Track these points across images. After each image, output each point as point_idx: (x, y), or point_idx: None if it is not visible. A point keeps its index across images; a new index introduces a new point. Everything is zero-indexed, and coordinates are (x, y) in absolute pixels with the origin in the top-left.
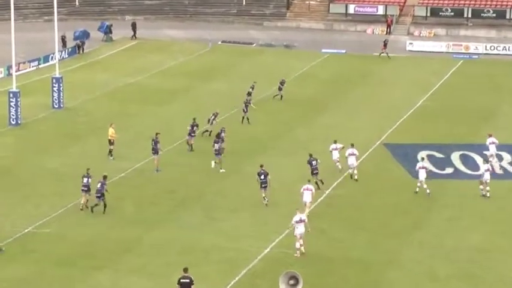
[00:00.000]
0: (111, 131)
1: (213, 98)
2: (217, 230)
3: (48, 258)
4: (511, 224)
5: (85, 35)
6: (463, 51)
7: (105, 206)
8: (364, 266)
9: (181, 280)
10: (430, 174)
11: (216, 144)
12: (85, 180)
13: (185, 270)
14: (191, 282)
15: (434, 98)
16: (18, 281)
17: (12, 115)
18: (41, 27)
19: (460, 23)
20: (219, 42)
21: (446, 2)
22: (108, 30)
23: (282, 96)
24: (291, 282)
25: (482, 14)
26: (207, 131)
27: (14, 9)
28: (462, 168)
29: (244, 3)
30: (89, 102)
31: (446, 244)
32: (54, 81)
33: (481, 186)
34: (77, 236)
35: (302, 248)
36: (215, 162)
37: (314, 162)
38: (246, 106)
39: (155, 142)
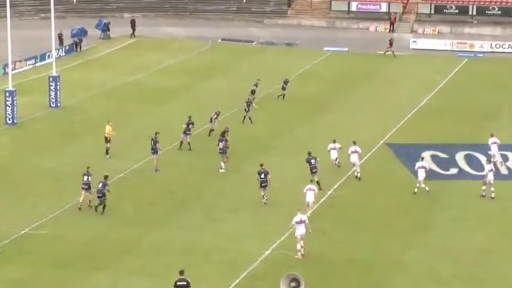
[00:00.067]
0: (108, 128)
1: (213, 97)
2: (217, 231)
3: (45, 259)
4: None
5: (82, 32)
6: (468, 49)
7: (104, 206)
8: (366, 268)
9: (178, 283)
10: (430, 174)
11: (220, 143)
12: (85, 178)
13: (181, 272)
14: (188, 285)
15: (439, 96)
16: (15, 283)
17: (9, 114)
18: (37, 25)
19: (465, 20)
20: (219, 40)
21: None
22: (106, 28)
23: (284, 96)
24: (293, 284)
25: (487, 11)
26: (212, 130)
27: (10, 6)
28: (467, 168)
29: (244, 0)
30: (87, 101)
31: (450, 245)
32: (51, 79)
33: (484, 187)
34: (75, 237)
35: (302, 249)
36: (223, 162)
37: (313, 161)
38: (248, 105)
39: (154, 142)
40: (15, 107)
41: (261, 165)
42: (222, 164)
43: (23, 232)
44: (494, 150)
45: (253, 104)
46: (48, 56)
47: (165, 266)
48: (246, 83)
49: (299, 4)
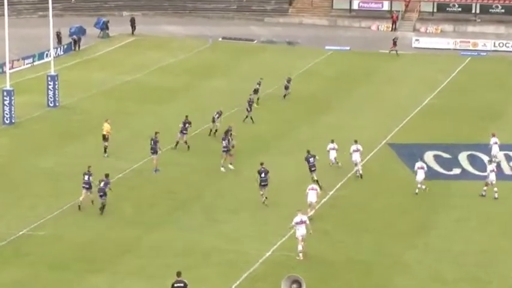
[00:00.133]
0: (107, 126)
1: (213, 96)
2: (218, 232)
3: (43, 261)
4: None
5: (81, 31)
6: (471, 48)
7: (103, 206)
8: (368, 269)
9: (175, 285)
10: (433, 174)
11: (223, 141)
12: (86, 177)
13: (178, 274)
14: (185, 287)
15: (441, 96)
16: (13, 284)
17: (6, 114)
18: (35, 23)
19: (468, 19)
20: (219, 39)
21: None
22: (104, 27)
23: (285, 95)
24: (294, 286)
25: (490, 10)
26: (216, 130)
27: (8, 4)
28: (470, 169)
29: None
30: (85, 100)
31: (453, 247)
32: (49, 79)
33: (485, 187)
34: (73, 238)
35: (301, 254)
36: (224, 162)
37: (312, 159)
38: (250, 105)
39: (154, 141)
40: (13, 107)
41: (261, 164)
42: (222, 161)
43: (21, 233)
44: (495, 150)
45: (254, 104)
46: (47, 54)
47: (164, 267)
48: (246, 83)
49: (300, 2)
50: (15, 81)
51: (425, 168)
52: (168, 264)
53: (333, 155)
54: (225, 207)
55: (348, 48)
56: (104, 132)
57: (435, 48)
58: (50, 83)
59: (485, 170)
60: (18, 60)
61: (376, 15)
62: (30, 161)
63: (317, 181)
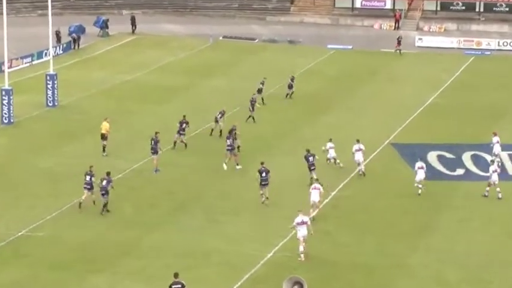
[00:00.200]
0: (106, 125)
1: (214, 96)
2: (218, 233)
3: (42, 262)
4: None
5: (80, 30)
6: (475, 47)
7: (105, 204)
8: (371, 271)
9: (173, 286)
10: (437, 175)
11: (228, 140)
12: (88, 178)
13: (176, 275)
14: None
15: (445, 95)
16: (12, 285)
17: (5, 113)
18: (34, 22)
19: (472, 17)
20: (220, 38)
21: None
22: (104, 25)
23: (287, 95)
24: (295, 287)
25: (494, 8)
26: (221, 131)
27: (7, 3)
28: (474, 169)
29: None
30: (85, 100)
31: (456, 248)
32: (48, 78)
33: (488, 188)
34: (72, 239)
35: (302, 255)
36: (226, 163)
37: (311, 158)
38: (253, 104)
39: (155, 141)
40: (11, 106)
41: (262, 163)
42: (225, 166)
43: (19, 234)
44: (496, 149)
45: (257, 104)
46: (45, 53)
47: (164, 268)
48: (247, 82)
49: (302, 1)
50: (13, 81)
51: (425, 168)
52: (168, 265)
53: (331, 153)
54: (226, 207)
55: (350, 47)
56: (103, 131)
57: (438, 47)
58: (49, 82)
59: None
60: (17, 59)
61: (378, 13)
62: (29, 161)
63: (317, 179)
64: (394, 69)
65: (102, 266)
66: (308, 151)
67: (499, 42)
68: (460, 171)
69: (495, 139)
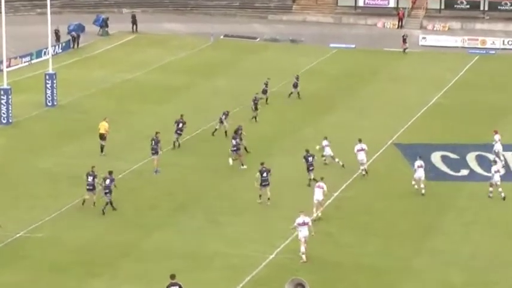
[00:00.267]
0: (105, 125)
1: (215, 96)
2: (219, 234)
3: (41, 264)
4: None
5: (80, 28)
6: (479, 46)
7: (107, 204)
8: (374, 273)
9: None
10: (441, 175)
11: (233, 140)
12: (90, 178)
13: (172, 276)
14: None
15: (449, 95)
16: (10, 287)
17: (3, 113)
18: (33, 21)
19: (476, 16)
20: (221, 37)
21: None
22: (104, 24)
23: (291, 94)
24: None
25: (499, 7)
26: (226, 132)
27: (5, 1)
28: (478, 169)
29: None
30: (84, 99)
31: (462, 250)
32: (47, 77)
33: (491, 188)
34: (72, 241)
35: (303, 256)
36: (233, 160)
37: (310, 159)
38: (256, 104)
39: (156, 142)
40: (10, 106)
41: (262, 164)
42: (231, 161)
43: (18, 235)
44: (498, 147)
45: (258, 104)
46: (45, 52)
47: (165, 270)
48: (249, 81)
49: None
50: (12, 80)
51: (424, 166)
52: (168, 267)
53: (328, 151)
54: (227, 208)
55: (353, 46)
56: (102, 131)
57: (442, 46)
58: (48, 81)
59: None
60: (15, 58)
61: (382, 12)
62: (28, 161)
63: (315, 180)
64: (397, 68)
65: (101, 268)
66: (307, 151)
67: (503, 41)
68: (464, 172)
69: (496, 137)
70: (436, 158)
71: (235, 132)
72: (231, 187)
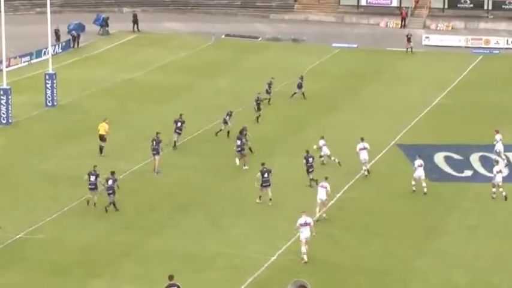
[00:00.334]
0: (105, 126)
1: (216, 96)
2: (221, 236)
3: (41, 265)
4: None
5: (80, 28)
6: (483, 45)
7: (110, 203)
8: (377, 275)
9: None
10: (444, 176)
11: (238, 141)
12: (92, 178)
13: (170, 277)
14: None
15: (452, 95)
16: None
17: (3, 113)
18: (33, 20)
19: (480, 15)
20: (223, 36)
21: None
22: (104, 23)
23: (294, 94)
24: None
25: (503, 6)
26: (228, 132)
27: (4, 0)
28: (482, 170)
29: None
30: (84, 99)
31: (465, 252)
32: (47, 77)
33: (494, 189)
34: (73, 242)
35: (305, 256)
36: (239, 159)
37: (310, 159)
38: (258, 104)
39: (157, 142)
40: (10, 106)
41: (263, 164)
42: (237, 161)
43: (18, 236)
44: (499, 147)
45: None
46: (44, 52)
47: (166, 272)
48: (250, 81)
49: None
50: (12, 80)
51: (424, 165)
52: (169, 269)
53: (325, 151)
54: (229, 210)
55: (356, 45)
56: (102, 132)
57: (446, 46)
58: (48, 81)
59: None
60: (15, 58)
61: (384, 11)
62: (28, 162)
63: (315, 180)
64: (400, 68)
65: (102, 270)
66: (307, 152)
67: (507, 41)
68: (468, 173)
69: (497, 137)
70: (439, 158)
71: (240, 132)
72: (233, 188)
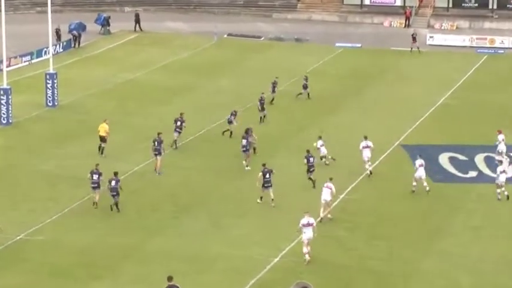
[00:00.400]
0: (105, 127)
1: (218, 96)
2: (223, 237)
3: (42, 267)
4: None
5: (81, 27)
6: (488, 45)
7: (115, 204)
8: (381, 277)
9: None
10: (449, 177)
11: (244, 140)
12: (95, 176)
13: (170, 279)
14: None
15: (457, 95)
16: None
17: (3, 114)
18: (33, 19)
19: (485, 14)
20: (225, 36)
21: None
22: (105, 23)
23: (299, 95)
24: None
25: (508, 5)
26: (231, 132)
27: (5, 0)
28: (487, 171)
29: None
30: (85, 99)
31: (470, 253)
32: (47, 77)
33: (498, 190)
34: (73, 244)
35: (308, 254)
36: (245, 161)
37: (311, 159)
38: (262, 104)
39: (158, 142)
40: (10, 106)
41: (264, 165)
42: (244, 162)
43: (18, 238)
44: (502, 147)
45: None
46: (45, 52)
47: (167, 273)
48: (253, 81)
49: None
50: (12, 80)
51: (424, 165)
52: (171, 270)
53: (323, 151)
54: (231, 210)
55: (359, 45)
56: (103, 133)
57: (450, 46)
58: (48, 81)
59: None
60: (15, 57)
61: (388, 10)
62: (28, 162)
63: (312, 180)
64: (404, 68)
65: (103, 271)
66: (308, 152)
67: None
68: (472, 174)
69: (500, 137)
70: (444, 159)
71: (246, 132)
72: (235, 188)
